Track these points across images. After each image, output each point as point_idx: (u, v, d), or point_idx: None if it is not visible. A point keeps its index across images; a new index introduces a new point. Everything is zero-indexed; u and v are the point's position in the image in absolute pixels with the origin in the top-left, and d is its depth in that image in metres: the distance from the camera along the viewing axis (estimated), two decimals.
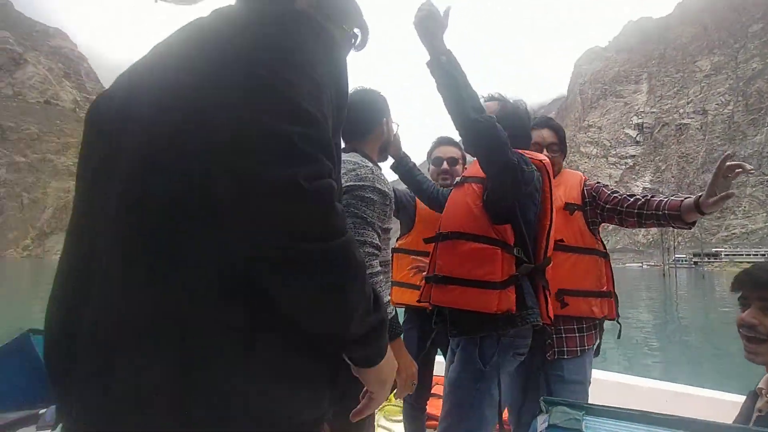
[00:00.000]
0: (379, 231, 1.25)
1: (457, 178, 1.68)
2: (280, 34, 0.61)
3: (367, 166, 1.29)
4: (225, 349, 0.53)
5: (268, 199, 0.52)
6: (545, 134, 1.80)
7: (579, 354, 1.64)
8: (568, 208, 1.71)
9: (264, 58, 0.57)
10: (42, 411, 1.12)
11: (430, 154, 2.18)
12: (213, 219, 0.53)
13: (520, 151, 1.47)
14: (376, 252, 1.21)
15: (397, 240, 2.17)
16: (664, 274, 67.35)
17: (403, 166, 1.94)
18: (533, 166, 1.48)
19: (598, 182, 1.80)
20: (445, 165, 2.08)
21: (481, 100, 1.44)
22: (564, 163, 1.88)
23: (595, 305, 1.66)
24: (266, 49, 0.58)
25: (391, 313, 1.23)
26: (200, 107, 0.56)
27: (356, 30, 0.85)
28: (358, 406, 0.77)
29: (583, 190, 1.76)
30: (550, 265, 1.53)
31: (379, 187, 1.27)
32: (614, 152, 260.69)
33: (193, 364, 0.52)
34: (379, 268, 1.20)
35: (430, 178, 2.07)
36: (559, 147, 1.82)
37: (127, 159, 0.58)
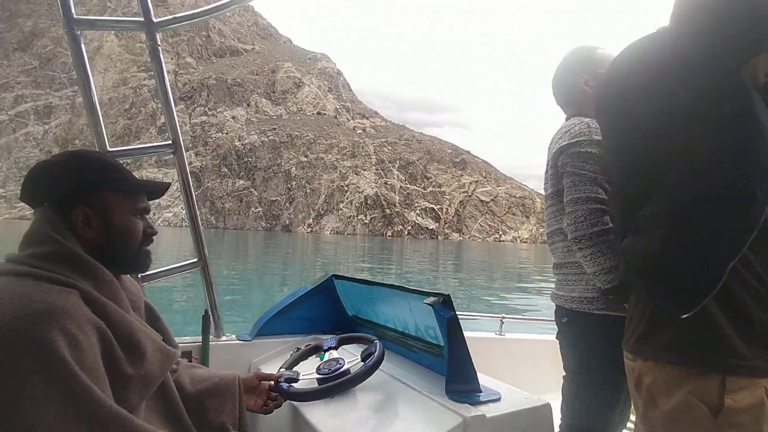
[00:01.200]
0: (605, 184, 1.17)
1: None
2: None
3: (583, 122, 1.24)
4: None
5: None
6: None
7: None
8: None
9: None
10: (334, 336, 1.29)
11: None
12: None
13: None
14: (601, 206, 1.15)
15: None
16: None
17: None
18: None
19: None
20: None
21: None
22: None
23: None
24: None
25: None
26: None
27: None
28: None
29: None
30: None
31: (598, 139, 1.19)
32: None
33: None
34: (609, 224, 1.14)
35: None
36: None
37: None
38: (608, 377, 1.23)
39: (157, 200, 0.91)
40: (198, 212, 1.47)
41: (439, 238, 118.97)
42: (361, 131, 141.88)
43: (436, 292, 1.05)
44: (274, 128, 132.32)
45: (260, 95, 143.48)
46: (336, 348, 1.24)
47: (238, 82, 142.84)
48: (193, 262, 1.50)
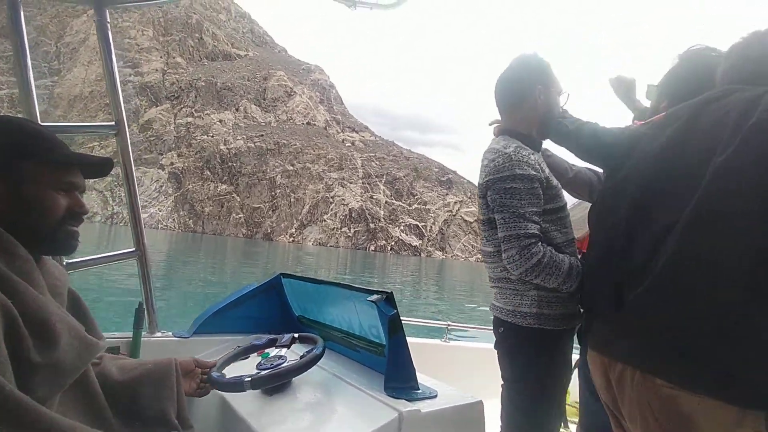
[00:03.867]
0: (534, 217, 1.22)
1: None
2: None
3: (505, 153, 1.26)
4: None
5: None
6: None
7: None
8: None
9: None
10: (282, 336, 1.23)
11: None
12: None
13: None
14: (531, 241, 1.20)
15: None
16: None
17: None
18: None
19: None
20: None
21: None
22: None
23: None
24: None
25: None
26: None
27: None
28: None
29: None
30: None
31: (520, 172, 1.23)
32: None
33: None
34: (544, 250, 1.21)
35: None
36: None
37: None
38: (546, 389, 1.28)
39: None
40: (138, 200, 1.41)
41: (422, 255, 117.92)
42: (350, 144, 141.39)
43: (380, 290, 1.04)
44: (262, 135, 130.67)
45: (250, 101, 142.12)
46: (278, 346, 1.20)
47: (228, 86, 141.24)
48: (129, 252, 1.42)
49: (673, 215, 0.89)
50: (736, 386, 0.78)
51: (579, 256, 1.38)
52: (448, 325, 2.60)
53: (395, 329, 1.00)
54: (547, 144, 1.50)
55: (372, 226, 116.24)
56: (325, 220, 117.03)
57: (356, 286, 1.16)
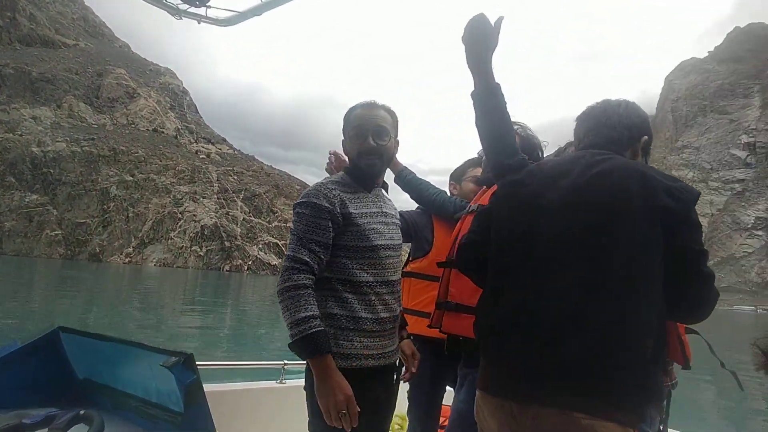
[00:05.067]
0: (312, 245, 1.25)
1: (473, 206, 1.66)
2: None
3: (318, 182, 1.37)
4: None
5: None
6: None
7: None
8: None
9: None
10: (64, 413, 0.96)
11: (461, 173, 2.08)
12: None
13: None
14: (296, 266, 1.21)
15: (408, 262, 2.00)
16: None
17: (402, 179, 1.96)
18: None
19: None
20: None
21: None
22: None
23: None
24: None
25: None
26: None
27: None
28: None
29: None
30: None
31: (314, 201, 1.29)
32: (717, 176, 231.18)
33: None
34: (304, 281, 1.20)
35: (435, 188, 1.98)
36: None
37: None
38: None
39: None
40: None
41: None
42: (204, 156, 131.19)
43: (178, 351, 0.91)
44: (93, 138, 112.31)
45: (78, 98, 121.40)
46: (53, 429, 0.93)
47: (48, 78, 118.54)
48: None
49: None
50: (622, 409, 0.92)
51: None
52: (284, 364, 2.31)
53: (193, 399, 0.88)
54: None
55: (227, 244, 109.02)
56: (171, 238, 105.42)
57: (150, 345, 1.02)
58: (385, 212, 1.47)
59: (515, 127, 1.51)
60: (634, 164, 1.05)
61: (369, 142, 1.40)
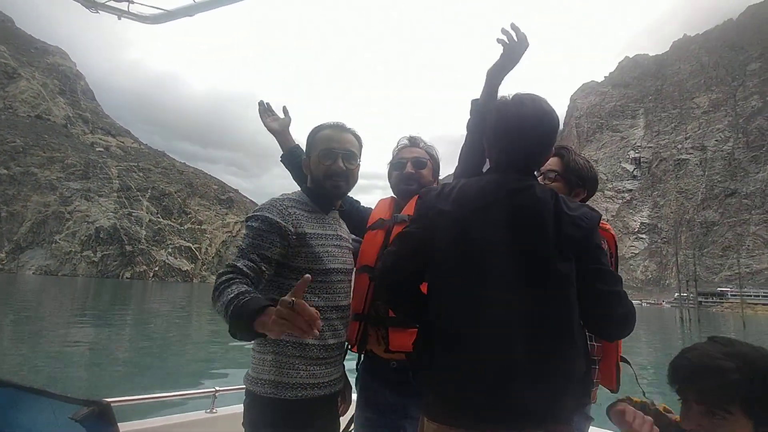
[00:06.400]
0: (253, 255, 1.23)
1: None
2: None
3: (274, 198, 1.38)
4: None
5: None
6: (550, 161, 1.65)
7: None
8: None
9: None
10: None
11: (392, 159, 1.79)
12: None
13: None
14: (227, 270, 1.19)
15: None
16: (681, 318, 51.48)
17: (288, 155, 1.81)
18: None
19: None
20: (409, 167, 1.67)
21: None
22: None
23: None
24: None
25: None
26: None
27: None
28: None
29: None
30: None
31: (267, 215, 1.29)
32: (611, 186, 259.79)
33: None
34: (233, 279, 1.14)
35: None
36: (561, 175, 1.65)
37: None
38: None
39: None
40: None
41: (195, 281, 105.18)
42: (102, 149, 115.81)
43: (92, 400, 0.79)
44: None
45: None
46: None
47: None
48: None
49: None
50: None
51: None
52: (216, 391, 2.11)
53: None
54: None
55: (129, 248, 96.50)
56: (56, 242, 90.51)
57: (55, 392, 0.86)
58: (340, 235, 1.46)
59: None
60: (547, 196, 1.09)
61: (339, 165, 1.41)
